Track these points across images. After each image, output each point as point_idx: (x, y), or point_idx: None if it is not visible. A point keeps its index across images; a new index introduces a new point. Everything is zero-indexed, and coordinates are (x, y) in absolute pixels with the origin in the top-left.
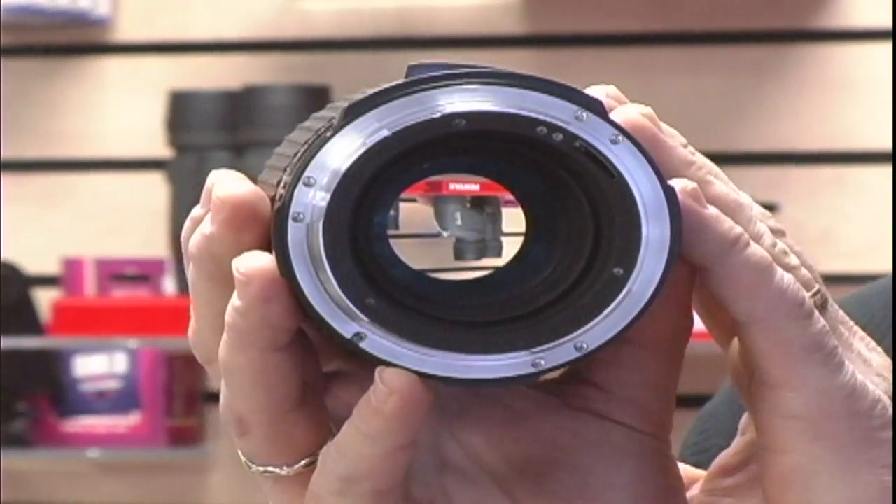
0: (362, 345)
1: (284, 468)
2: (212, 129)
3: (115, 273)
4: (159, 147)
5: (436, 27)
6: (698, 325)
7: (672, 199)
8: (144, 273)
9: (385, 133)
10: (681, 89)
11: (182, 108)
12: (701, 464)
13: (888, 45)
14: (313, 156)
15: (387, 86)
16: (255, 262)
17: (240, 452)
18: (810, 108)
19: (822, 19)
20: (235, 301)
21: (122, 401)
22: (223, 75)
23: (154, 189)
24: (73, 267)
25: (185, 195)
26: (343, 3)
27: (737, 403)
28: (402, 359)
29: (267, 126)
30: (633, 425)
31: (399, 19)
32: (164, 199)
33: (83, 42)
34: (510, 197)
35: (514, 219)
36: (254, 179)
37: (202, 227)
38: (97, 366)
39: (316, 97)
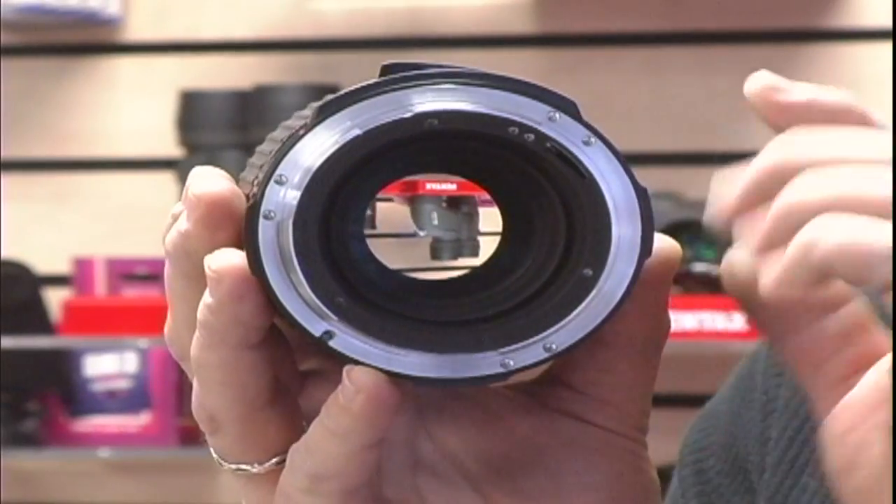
0: (332, 343)
1: (256, 466)
2: (222, 129)
3: (125, 272)
4: (170, 146)
5: (447, 27)
6: (707, 325)
7: (644, 200)
8: (155, 272)
9: (357, 132)
10: (692, 89)
11: (193, 108)
12: (700, 461)
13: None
14: (285, 154)
15: (360, 85)
16: (227, 260)
17: (212, 450)
18: None
19: (834, 19)
20: (207, 298)
21: (132, 400)
22: (234, 75)
23: (164, 188)
24: (83, 266)
25: None
26: (354, 2)
27: (736, 402)
28: (371, 357)
29: (277, 126)
30: (609, 426)
31: (410, 19)
32: (175, 199)
33: (94, 41)
34: (487, 196)
35: (490, 218)
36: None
37: (178, 224)
38: (108, 365)
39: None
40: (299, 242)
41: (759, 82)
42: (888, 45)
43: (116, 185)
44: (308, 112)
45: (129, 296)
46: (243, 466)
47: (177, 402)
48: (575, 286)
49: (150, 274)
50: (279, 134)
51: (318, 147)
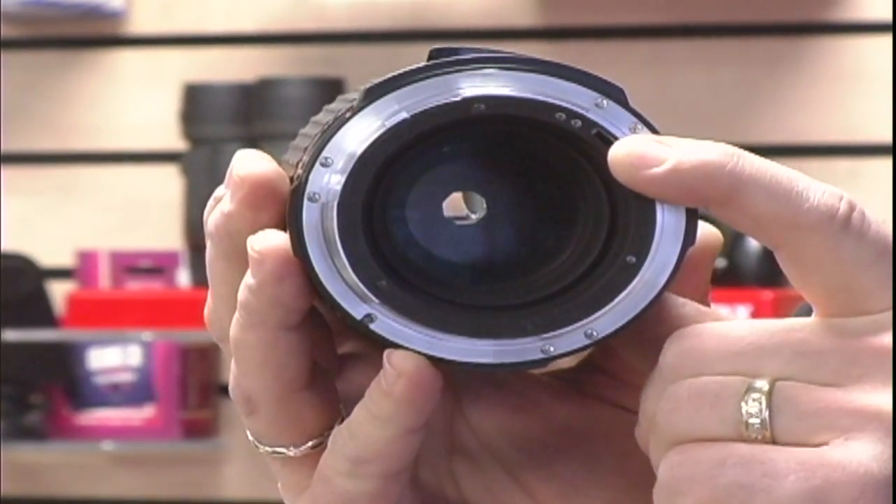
0: (372, 326)
1: (292, 449)
2: (226, 122)
3: (129, 265)
4: (174, 140)
5: (451, 20)
6: None
7: None
8: (159, 265)
9: (404, 115)
10: (696, 82)
11: (196, 101)
12: None
13: None
14: (331, 137)
15: (408, 68)
16: (270, 241)
17: (248, 432)
18: (826, 100)
19: (838, 12)
20: (248, 279)
21: (136, 393)
22: (238, 68)
23: (168, 181)
24: (87, 259)
25: (200, 187)
26: None
27: None
28: (412, 341)
29: (281, 118)
30: None
31: (414, 12)
32: (179, 192)
33: (98, 35)
34: (531, 182)
35: (534, 204)
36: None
37: (221, 204)
38: (111, 358)
39: (330, 90)
40: (343, 225)
41: (624, 149)
42: (890, 39)
43: (120, 178)
44: (351, 94)
45: (133, 289)
46: (279, 449)
47: (180, 396)
48: (618, 273)
49: (153, 267)
50: (322, 117)
51: (364, 130)
